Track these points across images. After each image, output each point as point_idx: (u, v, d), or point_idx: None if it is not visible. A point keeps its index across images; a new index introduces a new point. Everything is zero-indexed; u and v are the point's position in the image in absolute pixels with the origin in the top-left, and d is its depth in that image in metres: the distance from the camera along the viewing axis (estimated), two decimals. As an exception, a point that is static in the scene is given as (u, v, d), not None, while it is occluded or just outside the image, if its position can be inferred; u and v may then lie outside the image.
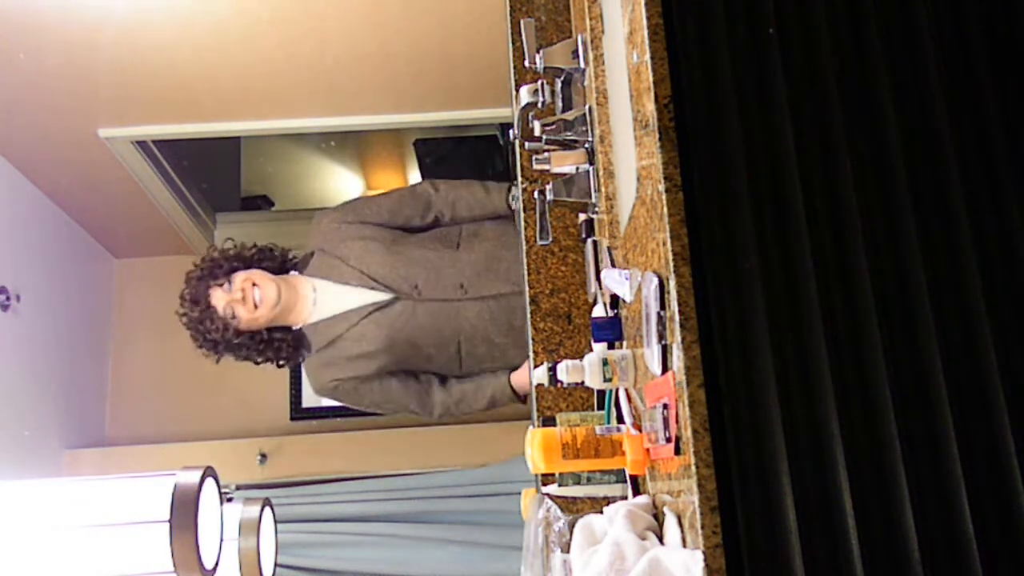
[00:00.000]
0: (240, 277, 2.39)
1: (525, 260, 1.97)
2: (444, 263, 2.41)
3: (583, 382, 1.42)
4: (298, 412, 3.54)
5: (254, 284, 2.38)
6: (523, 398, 2.43)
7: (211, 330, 2.40)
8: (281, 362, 2.52)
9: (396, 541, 2.87)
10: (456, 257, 2.42)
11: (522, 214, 1.97)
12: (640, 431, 1.29)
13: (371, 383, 2.45)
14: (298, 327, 2.46)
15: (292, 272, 2.50)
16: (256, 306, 2.37)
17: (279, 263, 2.50)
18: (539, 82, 1.76)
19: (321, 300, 2.45)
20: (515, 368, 2.42)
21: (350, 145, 4.73)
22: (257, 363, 2.50)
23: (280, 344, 2.47)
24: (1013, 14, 1.16)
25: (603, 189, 1.65)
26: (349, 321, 2.41)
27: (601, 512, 1.32)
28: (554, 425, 1.54)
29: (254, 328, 2.41)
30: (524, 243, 1.96)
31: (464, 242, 2.45)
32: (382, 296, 2.41)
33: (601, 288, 1.62)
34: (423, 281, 2.39)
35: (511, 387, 2.42)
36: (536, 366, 1.82)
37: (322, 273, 2.46)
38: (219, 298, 2.39)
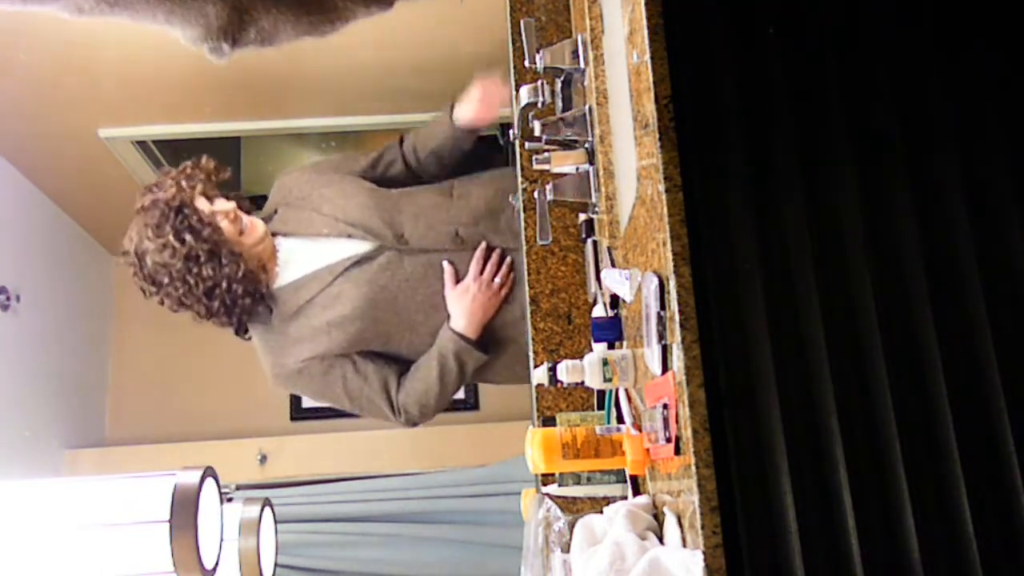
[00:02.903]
0: (224, 201, 2.04)
1: (525, 260, 1.97)
2: (436, 210, 2.10)
3: (583, 382, 1.42)
4: (298, 412, 3.54)
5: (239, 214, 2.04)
6: (477, 343, 2.06)
7: (191, 223, 1.94)
8: (240, 311, 2.04)
9: (396, 541, 2.87)
10: (450, 204, 2.12)
11: (522, 214, 1.97)
12: (640, 431, 1.29)
13: (344, 365, 2.05)
14: (269, 289, 2.08)
15: None
16: (242, 232, 2.01)
17: (246, 211, 2.13)
18: (539, 82, 1.76)
19: (286, 261, 2.08)
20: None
21: (350, 145, 4.71)
22: (207, 308, 2.01)
23: (257, 289, 2.02)
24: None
25: (603, 189, 1.65)
26: (321, 281, 2.04)
27: (601, 512, 1.32)
28: (554, 425, 1.54)
29: (235, 249, 2.00)
30: (524, 243, 1.96)
31: (458, 190, 2.16)
32: (362, 247, 2.05)
33: (601, 288, 1.62)
34: (410, 228, 2.06)
35: (454, 331, 2.04)
36: (536, 366, 1.82)
37: (288, 229, 2.10)
38: (203, 206, 2.00)
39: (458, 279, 2.07)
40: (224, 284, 1.99)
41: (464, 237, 2.08)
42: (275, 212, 2.16)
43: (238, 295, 2.01)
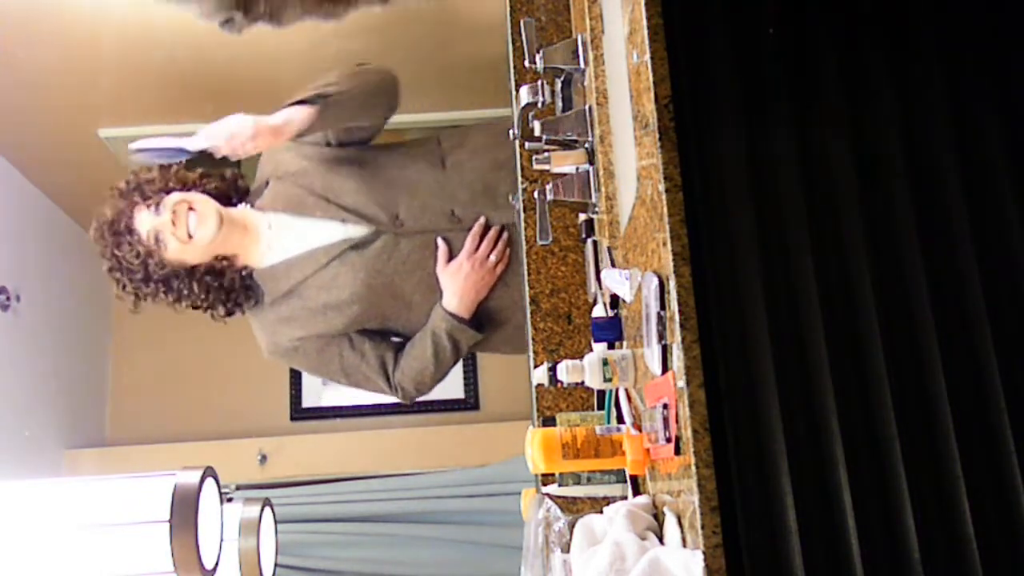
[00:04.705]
0: (174, 199, 1.97)
1: (525, 260, 1.96)
2: (430, 187, 2.05)
3: (583, 382, 1.42)
4: (298, 412, 3.54)
5: (190, 208, 1.97)
6: (471, 321, 2.05)
7: (129, 258, 1.95)
8: (229, 306, 2.05)
9: (396, 541, 2.87)
10: (445, 178, 2.06)
11: (522, 214, 1.97)
12: (640, 431, 1.29)
13: (340, 343, 2.05)
14: (249, 271, 2.06)
15: (242, 205, 2.09)
16: (190, 236, 1.96)
17: (227, 189, 2.09)
18: (539, 82, 1.76)
19: (277, 239, 2.04)
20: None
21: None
22: (197, 307, 2.04)
23: (231, 281, 2.00)
24: None
25: (603, 189, 1.65)
26: (315, 262, 2.01)
27: (601, 512, 1.32)
28: (554, 425, 1.54)
29: (185, 263, 1.98)
30: (524, 243, 1.96)
31: (450, 158, 2.09)
32: (358, 231, 2.01)
33: (601, 288, 1.62)
34: (405, 208, 2.02)
35: (446, 311, 2.03)
36: (536, 366, 1.82)
37: (279, 205, 2.05)
38: (145, 222, 1.96)
39: (452, 256, 2.04)
40: (185, 291, 2.01)
41: (461, 216, 2.05)
42: (267, 184, 2.11)
43: (210, 288, 2.01)
